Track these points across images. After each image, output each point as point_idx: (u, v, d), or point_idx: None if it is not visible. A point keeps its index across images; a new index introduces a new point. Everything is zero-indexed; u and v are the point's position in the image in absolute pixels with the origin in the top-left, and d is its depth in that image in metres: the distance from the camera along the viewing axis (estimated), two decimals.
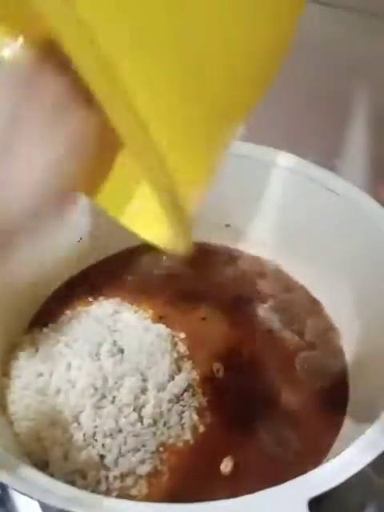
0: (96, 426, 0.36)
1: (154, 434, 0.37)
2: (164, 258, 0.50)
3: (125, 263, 0.50)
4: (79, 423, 0.36)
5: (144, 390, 0.39)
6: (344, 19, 0.39)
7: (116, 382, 0.38)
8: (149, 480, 0.35)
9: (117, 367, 0.39)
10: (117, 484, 0.34)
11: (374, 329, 0.35)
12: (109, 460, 0.35)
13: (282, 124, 0.51)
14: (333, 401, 0.37)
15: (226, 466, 0.35)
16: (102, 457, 0.35)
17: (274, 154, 0.43)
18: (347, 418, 0.34)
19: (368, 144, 0.43)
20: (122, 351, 0.41)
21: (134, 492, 0.34)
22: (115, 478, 0.35)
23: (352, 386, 0.37)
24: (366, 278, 0.37)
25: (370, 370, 0.33)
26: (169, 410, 0.38)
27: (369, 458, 0.23)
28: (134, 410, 0.37)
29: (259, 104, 0.22)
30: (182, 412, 0.39)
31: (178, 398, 0.39)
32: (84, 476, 0.34)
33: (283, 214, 0.45)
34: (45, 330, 0.43)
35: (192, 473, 0.35)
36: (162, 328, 0.43)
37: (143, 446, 0.36)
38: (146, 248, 0.51)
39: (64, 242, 0.47)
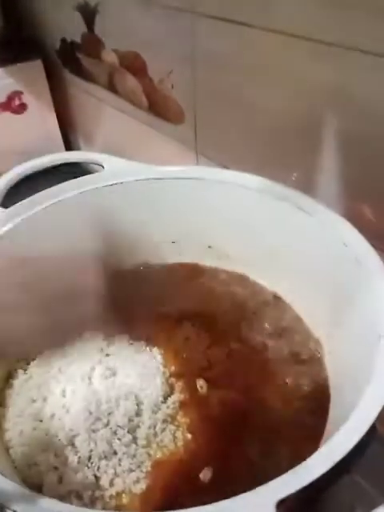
0: (91, 450, 0.37)
1: (148, 454, 0.38)
2: (148, 281, 0.52)
3: (110, 287, 0.51)
4: (74, 447, 0.37)
5: (138, 412, 0.40)
6: (316, 51, 0.41)
7: (110, 406, 0.39)
8: (143, 497, 0.35)
9: (110, 391, 0.40)
10: (112, 503, 0.35)
11: (346, 338, 0.37)
12: (104, 481, 0.36)
13: (260, 151, 0.53)
14: (315, 411, 0.38)
15: (206, 474, 0.36)
16: (97, 478, 0.36)
17: (249, 178, 0.45)
18: (328, 426, 0.35)
19: (342, 165, 0.45)
20: (114, 374, 0.42)
21: (129, 509, 0.35)
22: (111, 497, 0.35)
23: (333, 396, 0.38)
24: (339, 293, 0.39)
25: (349, 378, 0.34)
26: (163, 430, 0.39)
27: (333, 460, 0.24)
28: (129, 431, 0.38)
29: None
30: (176, 431, 0.40)
31: (172, 418, 0.40)
32: (79, 497, 0.35)
33: (261, 234, 0.47)
34: (39, 356, 0.45)
35: (184, 487, 0.36)
36: (153, 350, 0.45)
37: (138, 466, 0.37)
38: (131, 273, 0.53)
39: None
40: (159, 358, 0.44)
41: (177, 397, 0.42)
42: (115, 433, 0.38)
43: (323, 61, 0.41)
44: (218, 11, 0.49)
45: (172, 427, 0.40)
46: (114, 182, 0.48)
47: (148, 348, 0.45)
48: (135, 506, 0.35)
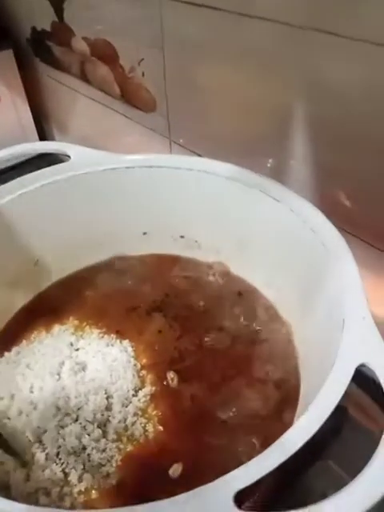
0: (59, 446, 0.36)
1: (119, 448, 0.37)
2: (120, 274, 0.51)
3: (82, 282, 0.51)
4: (42, 443, 0.37)
5: (108, 407, 0.39)
6: (285, 34, 0.40)
7: (79, 400, 0.39)
8: (113, 492, 0.35)
9: (80, 386, 0.40)
10: (81, 498, 0.34)
11: (315, 323, 0.37)
12: (73, 477, 0.35)
13: (234, 138, 0.52)
14: (286, 400, 0.38)
15: (175, 470, 0.35)
16: (66, 474, 0.35)
17: (218, 165, 0.45)
18: (297, 414, 0.35)
19: (316, 150, 0.45)
20: (84, 369, 0.42)
21: (98, 505, 0.34)
22: (80, 492, 0.35)
23: (303, 383, 0.38)
24: (308, 279, 0.39)
25: (316, 364, 0.34)
26: (133, 423, 0.39)
27: (292, 450, 0.24)
28: (98, 426, 0.38)
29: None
30: (146, 424, 0.39)
31: (142, 411, 0.40)
32: (48, 493, 0.34)
33: (232, 221, 0.47)
34: (7, 354, 0.44)
35: (154, 481, 0.35)
36: (124, 343, 0.44)
37: (108, 461, 0.37)
38: (102, 265, 0.53)
39: (20, 266, 0.48)
40: (130, 350, 0.44)
41: (148, 390, 0.41)
42: (84, 428, 0.38)
43: (295, 45, 0.41)
44: None
45: (143, 420, 0.39)
46: (80, 171, 0.47)
47: (118, 341, 0.44)
48: (104, 502, 0.35)
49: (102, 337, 0.45)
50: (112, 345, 0.44)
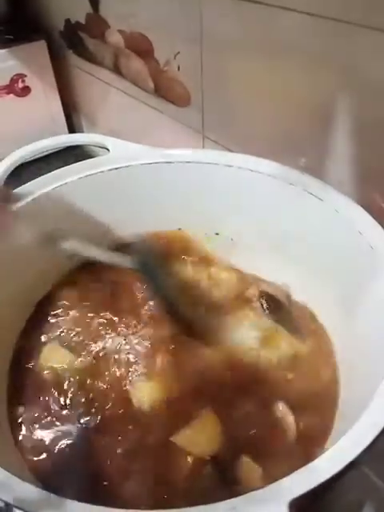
0: None
1: None
2: None
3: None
4: None
5: None
6: (326, 29, 0.39)
7: None
8: None
9: None
10: None
11: (359, 329, 0.36)
12: None
13: (268, 135, 0.51)
14: (324, 407, 0.37)
15: None
16: None
17: (260, 162, 0.44)
18: (337, 421, 0.34)
19: (355, 150, 0.44)
20: None
21: None
22: None
23: (344, 391, 0.37)
24: (352, 282, 0.38)
25: (361, 372, 0.33)
26: None
27: (348, 458, 0.23)
28: None
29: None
30: None
31: None
32: None
33: (269, 219, 0.46)
34: None
35: None
36: None
37: None
38: None
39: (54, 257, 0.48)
40: None
41: None
42: None
43: (336, 40, 0.40)
44: None
45: None
46: (120, 165, 0.46)
47: None
48: None
49: None
50: None
